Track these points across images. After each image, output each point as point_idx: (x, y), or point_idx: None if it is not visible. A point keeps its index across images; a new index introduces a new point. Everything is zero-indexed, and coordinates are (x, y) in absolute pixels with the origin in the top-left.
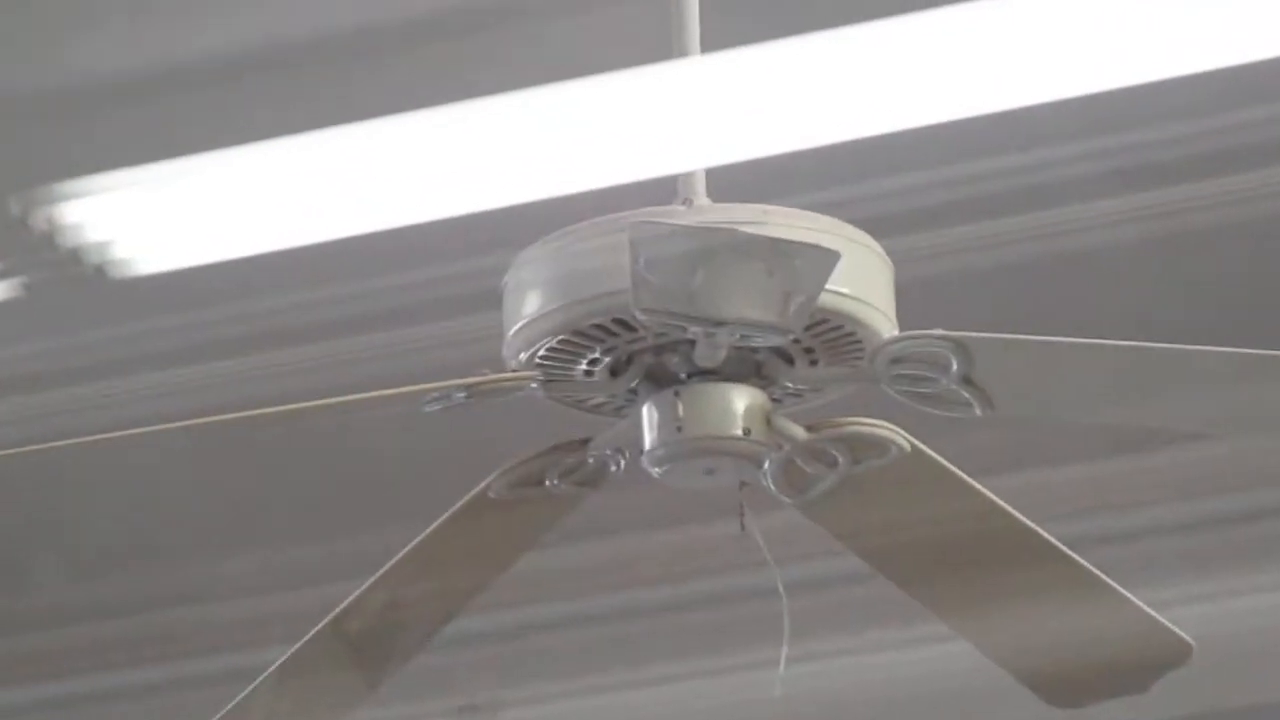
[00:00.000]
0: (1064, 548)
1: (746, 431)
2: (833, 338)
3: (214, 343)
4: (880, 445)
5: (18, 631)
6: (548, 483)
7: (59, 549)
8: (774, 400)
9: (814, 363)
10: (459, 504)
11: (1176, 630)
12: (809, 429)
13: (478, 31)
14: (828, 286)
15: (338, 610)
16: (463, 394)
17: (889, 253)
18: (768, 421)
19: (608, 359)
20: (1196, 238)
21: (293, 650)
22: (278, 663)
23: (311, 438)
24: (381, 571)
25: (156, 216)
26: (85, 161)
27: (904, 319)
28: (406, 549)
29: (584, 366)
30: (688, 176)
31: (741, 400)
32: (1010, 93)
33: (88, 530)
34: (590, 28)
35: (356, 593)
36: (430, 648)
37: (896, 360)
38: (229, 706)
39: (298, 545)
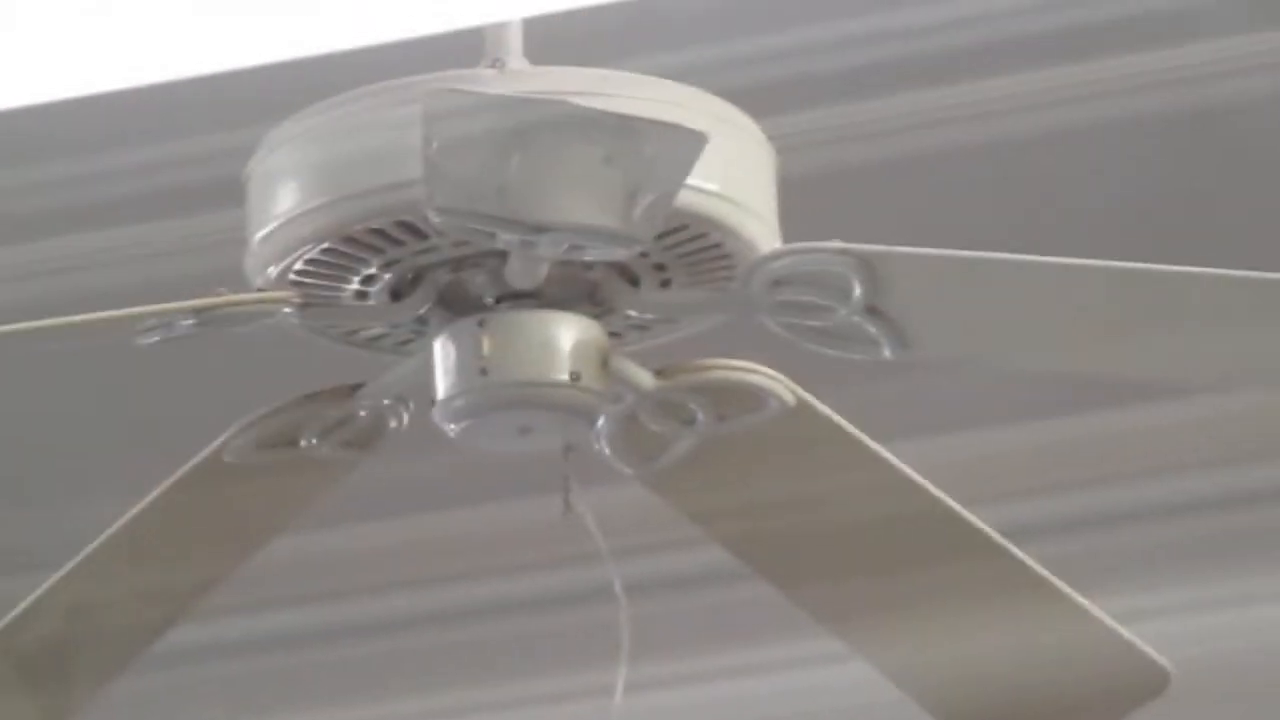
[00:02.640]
0: (999, 538)
1: (575, 376)
2: (693, 251)
3: None
4: (754, 397)
5: None
6: (303, 443)
7: None
8: (613, 335)
9: (667, 284)
10: (181, 471)
11: (1150, 652)
12: (659, 374)
13: None
14: (688, 181)
15: (6, 619)
16: (190, 320)
17: (771, 137)
18: (604, 363)
19: (388, 276)
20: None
21: None
22: None
23: None
24: (72, 564)
25: None
26: None
27: (790, 227)
28: (106, 533)
29: (355, 286)
30: (499, 29)
31: (569, 334)
32: None
33: None
34: None
35: (35, 594)
36: (135, 669)
37: (779, 282)
38: None
39: None
